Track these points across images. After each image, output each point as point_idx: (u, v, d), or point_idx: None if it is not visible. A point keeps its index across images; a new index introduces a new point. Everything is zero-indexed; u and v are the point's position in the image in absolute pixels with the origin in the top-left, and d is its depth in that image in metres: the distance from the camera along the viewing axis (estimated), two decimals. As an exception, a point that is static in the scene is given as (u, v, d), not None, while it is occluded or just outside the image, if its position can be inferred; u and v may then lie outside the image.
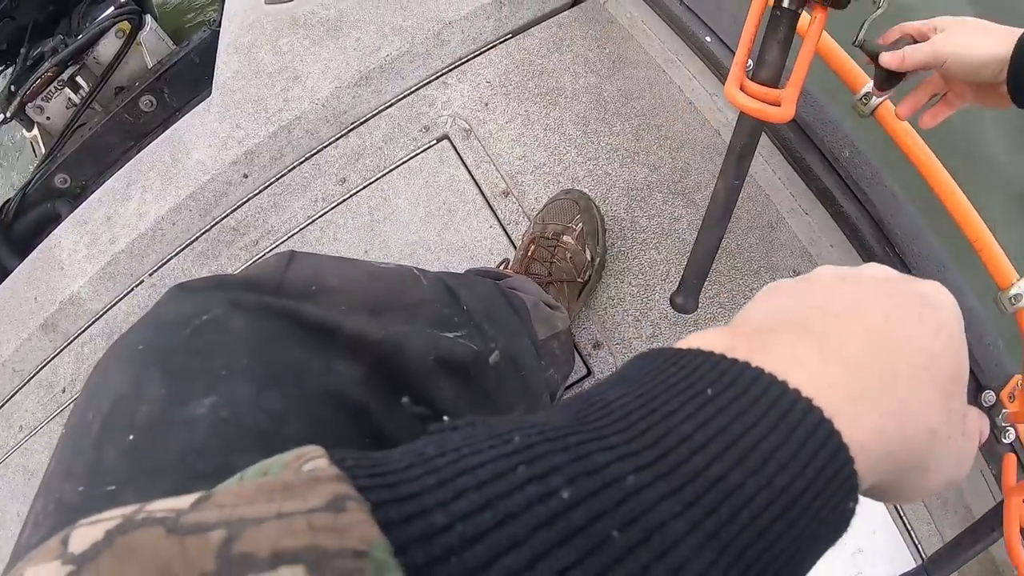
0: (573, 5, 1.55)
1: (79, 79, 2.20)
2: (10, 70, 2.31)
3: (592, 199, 1.24)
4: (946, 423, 0.28)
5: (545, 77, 1.44)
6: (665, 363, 0.26)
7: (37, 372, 1.60)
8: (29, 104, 2.19)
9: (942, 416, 0.28)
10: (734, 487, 0.21)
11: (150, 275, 1.55)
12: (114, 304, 1.56)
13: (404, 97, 1.51)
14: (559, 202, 1.22)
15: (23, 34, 2.28)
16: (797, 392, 0.24)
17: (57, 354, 1.59)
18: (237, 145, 1.51)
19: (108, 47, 2.16)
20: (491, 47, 1.51)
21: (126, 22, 2.12)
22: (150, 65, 2.18)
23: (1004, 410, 0.92)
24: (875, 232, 1.12)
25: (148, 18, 2.21)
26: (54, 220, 1.80)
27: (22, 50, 2.26)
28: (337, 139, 1.50)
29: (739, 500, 0.21)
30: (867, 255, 1.13)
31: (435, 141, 1.43)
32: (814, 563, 0.24)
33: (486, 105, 1.43)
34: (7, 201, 2.11)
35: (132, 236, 1.53)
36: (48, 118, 2.27)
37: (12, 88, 2.19)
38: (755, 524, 0.21)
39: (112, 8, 2.12)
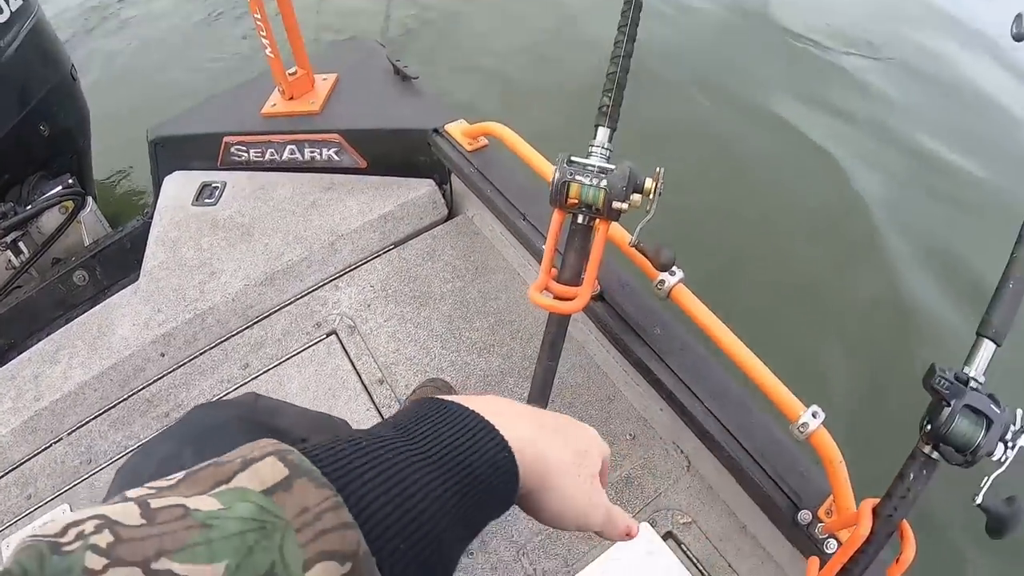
0: (447, 220, 1.89)
1: (21, 244, 2.43)
2: None
3: (452, 385, 1.52)
4: (576, 465, 0.51)
5: (419, 283, 1.75)
6: (427, 403, 0.49)
7: None
8: None
9: (574, 460, 0.52)
10: (446, 446, 0.44)
11: (68, 434, 1.72)
12: (32, 457, 1.72)
13: (301, 297, 1.78)
14: (424, 388, 1.50)
15: None
16: (483, 418, 0.47)
17: None
18: (157, 327, 1.74)
19: (51, 220, 2.41)
20: (376, 256, 1.82)
21: (71, 201, 2.38)
22: (87, 243, 2.43)
23: (820, 523, 1.08)
24: (688, 393, 1.28)
25: (90, 200, 2.48)
26: None
27: None
28: (243, 330, 1.76)
29: (450, 451, 0.44)
30: (687, 417, 1.27)
31: (325, 336, 1.69)
32: (491, 515, 0.46)
33: (368, 306, 1.72)
34: None
35: (56, 396, 1.71)
36: (-15, 275, 2.48)
37: None
38: (459, 461, 0.43)
39: (60, 187, 2.38)
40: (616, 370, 1.53)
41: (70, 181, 2.41)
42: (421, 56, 4.03)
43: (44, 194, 2.40)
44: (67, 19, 5.41)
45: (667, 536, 1.32)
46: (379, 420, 1.51)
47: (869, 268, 2.69)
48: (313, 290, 1.80)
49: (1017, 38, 1.05)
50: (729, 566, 1.27)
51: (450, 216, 1.91)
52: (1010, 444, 0.85)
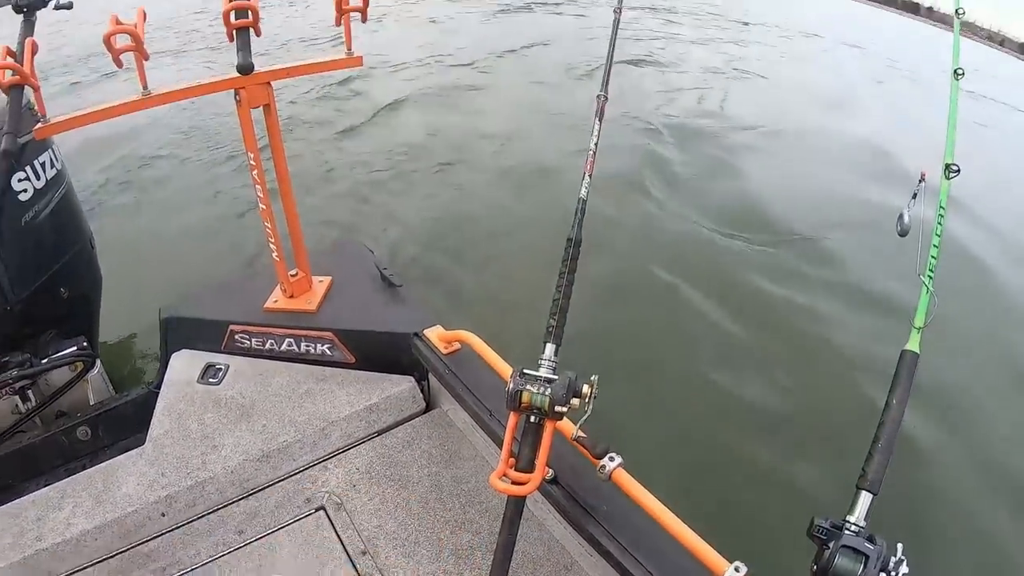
0: (425, 412, 2.22)
1: (29, 392, 2.68)
2: None
3: None
4: None
5: (399, 467, 2.04)
6: None
7: None
8: None
9: None
10: None
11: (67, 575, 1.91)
12: None
13: (294, 474, 2.07)
14: None
15: None
16: None
17: None
18: (160, 489, 1.98)
19: (60, 376, 2.67)
20: (361, 442, 2.13)
21: (81, 362, 2.65)
22: (92, 402, 2.69)
23: None
24: (633, 562, 1.44)
25: (99, 363, 2.76)
26: None
27: None
28: (240, 499, 2.02)
29: None
30: None
31: (314, 510, 1.96)
32: None
33: (354, 486, 2.00)
34: None
35: (57, 540, 1.90)
36: (-9, 416, 2.69)
37: None
38: None
39: (75, 347, 2.66)
40: (572, 543, 1.77)
41: (84, 344, 2.68)
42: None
43: (58, 351, 2.65)
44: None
45: None
46: None
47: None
48: (304, 469, 2.08)
49: (902, 234, 1.36)
50: None
51: (428, 409, 2.23)
52: (893, 574, 1.00)
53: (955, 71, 1.61)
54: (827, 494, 2.89)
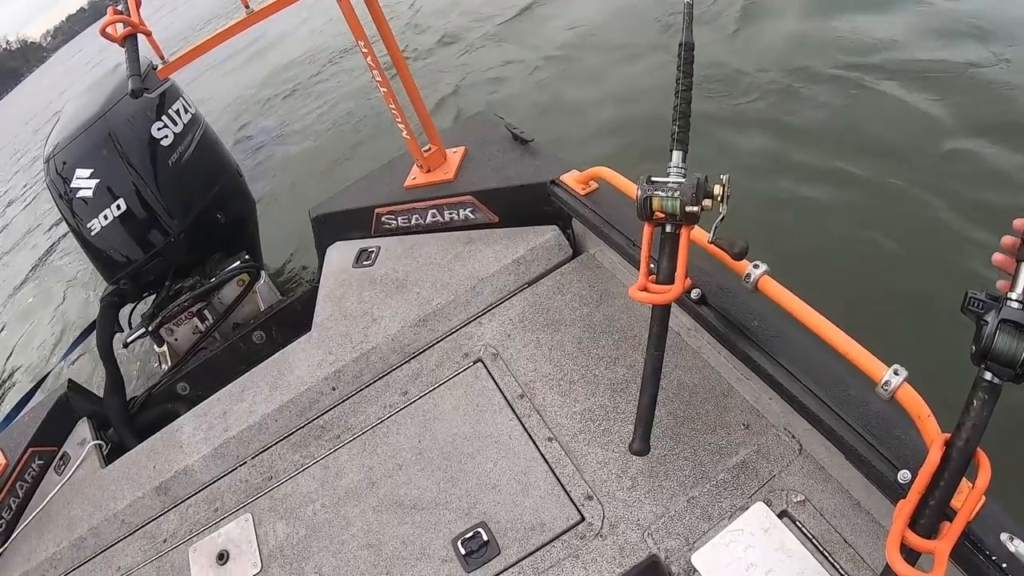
0: (572, 258, 2.19)
1: (206, 312, 2.92)
2: (152, 297, 3.04)
3: None
4: None
5: (551, 313, 2.04)
6: None
7: (144, 525, 2.10)
8: (164, 326, 2.90)
9: None
10: None
11: (252, 457, 2.10)
12: (220, 478, 2.10)
13: (451, 334, 2.12)
14: None
15: (168, 272, 3.01)
16: None
17: (164, 512, 2.10)
18: (328, 366, 2.11)
19: (230, 292, 2.89)
20: (512, 295, 2.14)
21: (246, 275, 2.85)
22: (262, 308, 2.90)
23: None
24: (791, 379, 1.38)
25: (263, 273, 2.96)
26: (172, 417, 2.33)
27: (166, 283, 2.99)
28: (402, 364, 2.10)
29: None
30: (795, 403, 1.37)
31: (472, 364, 2.00)
32: None
33: (509, 336, 2.02)
34: (134, 397, 2.74)
35: (242, 427, 2.10)
36: (176, 339, 2.98)
37: (154, 311, 2.91)
38: None
39: (238, 262, 2.87)
40: (727, 367, 1.71)
41: (247, 258, 2.88)
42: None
43: (224, 269, 2.88)
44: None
45: (782, 515, 1.44)
46: (520, 428, 1.80)
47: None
48: (460, 327, 2.12)
49: None
50: (844, 540, 1.36)
51: (575, 255, 2.21)
52: None
53: None
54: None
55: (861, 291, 2.86)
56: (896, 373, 1.14)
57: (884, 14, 4.74)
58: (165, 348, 3.01)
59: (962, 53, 4.04)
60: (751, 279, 1.38)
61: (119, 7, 1.91)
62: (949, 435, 1.01)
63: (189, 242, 2.94)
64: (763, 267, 1.38)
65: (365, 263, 2.41)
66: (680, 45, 1.41)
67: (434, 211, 2.36)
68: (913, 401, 1.12)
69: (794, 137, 3.94)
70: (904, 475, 1.16)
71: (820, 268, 3.00)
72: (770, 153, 3.92)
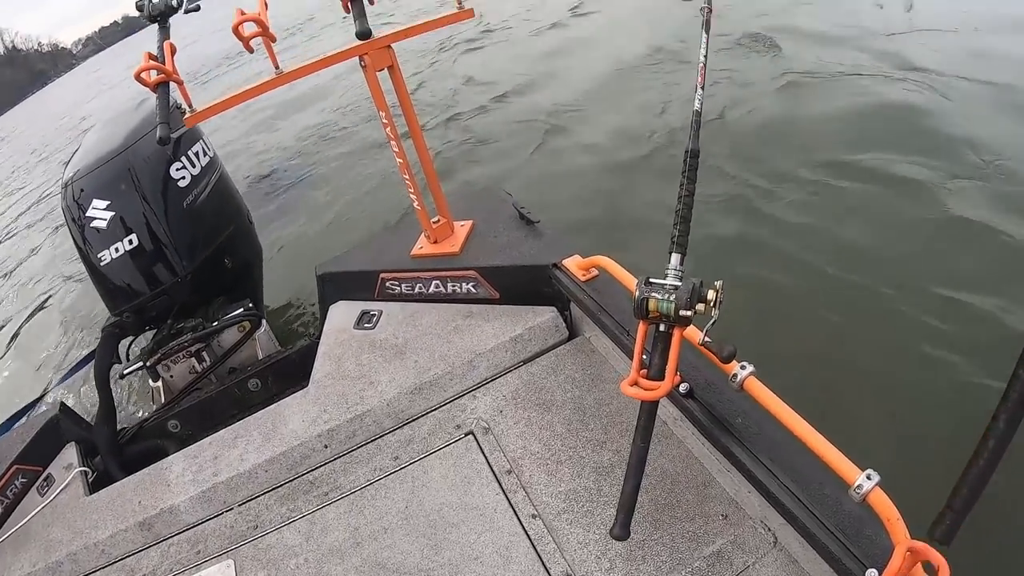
0: (568, 340, 2.28)
1: (204, 354, 2.99)
2: (152, 333, 3.10)
3: None
4: None
5: (543, 392, 2.13)
6: None
7: (123, 558, 2.12)
8: (162, 362, 2.96)
9: None
10: None
11: (239, 505, 2.14)
12: (205, 520, 2.13)
13: (445, 404, 2.20)
14: None
15: (171, 310, 3.07)
16: None
17: (146, 548, 2.13)
18: (323, 424, 2.17)
19: (230, 336, 2.97)
20: (508, 371, 2.23)
21: (248, 322, 2.93)
22: (260, 356, 2.98)
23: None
24: (769, 476, 1.44)
25: (264, 322, 3.04)
26: (160, 453, 2.36)
27: (169, 321, 3.05)
28: (395, 429, 2.17)
29: None
30: (771, 498, 1.43)
31: (464, 435, 2.08)
32: None
33: (501, 412, 2.10)
34: (124, 428, 2.78)
35: (232, 473, 2.14)
36: (172, 376, 3.04)
37: (154, 347, 2.96)
38: None
39: (242, 309, 2.95)
40: (709, 459, 1.78)
41: (250, 305, 2.97)
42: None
43: (227, 315, 2.95)
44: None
45: None
46: (505, 503, 1.87)
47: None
48: (455, 399, 2.20)
49: None
50: None
51: (571, 337, 2.30)
52: None
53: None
54: (966, 406, 2.73)
55: (845, 389, 3.01)
56: (868, 478, 1.20)
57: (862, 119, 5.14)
58: (160, 384, 3.06)
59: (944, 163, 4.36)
60: (737, 379, 1.46)
61: (155, 52, 2.00)
62: (917, 540, 1.09)
63: (195, 283, 3.02)
64: (749, 368, 1.46)
65: (367, 325, 2.50)
66: (686, 152, 1.52)
67: (438, 282, 2.46)
68: (884, 505, 1.18)
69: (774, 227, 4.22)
70: (871, 574, 1.22)
71: (809, 366, 3.16)
72: (749, 240, 4.18)
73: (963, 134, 4.63)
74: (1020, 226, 3.65)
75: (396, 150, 2.37)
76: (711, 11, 1.66)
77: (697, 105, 1.54)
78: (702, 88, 1.55)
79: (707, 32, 1.64)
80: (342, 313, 2.62)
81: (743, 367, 1.47)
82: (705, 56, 1.60)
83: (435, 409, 2.20)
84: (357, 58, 2.19)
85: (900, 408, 2.87)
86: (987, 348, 2.98)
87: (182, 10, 2.24)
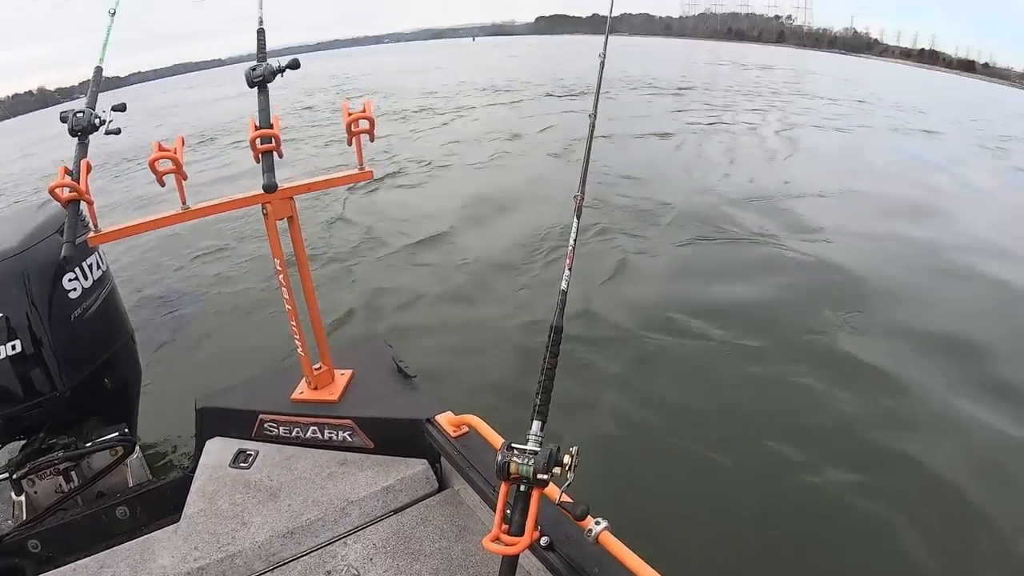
0: (438, 491, 2.44)
1: (73, 473, 2.95)
2: (22, 444, 2.97)
3: None
4: None
5: (413, 542, 2.26)
6: None
7: None
8: (28, 476, 2.87)
9: None
10: None
11: None
12: None
13: (316, 550, 2.29)
14: None
15: (44, 423, 2.97)
16: None
17: None
18: (193, 562, 2.21)
19: (101, 459, 2.95)
20: (379, 520, 2.36)
21: (122, 447, 2.93)
22: (130, 484, 2.97)
23: None
24: None
25: (138, 448, 3.04)
26: (15, 572, 2.30)
27: (41, 434, 2.93)
28: (265, 572, 2.24)
29: None
30: None
31: None
32: None
33: (371, 560, 2.21)
34: None
35: None
36: (36, 492, 2.95)
37: (22, 460, 2.85)
38: None
39: (117, 433, 2.94)
40: None
41: (125, 430, 2.97)
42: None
43: (101, 436, 2.94)
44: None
45: None
46: None
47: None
48: (326, 545, 2.30)
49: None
50: None
51: (440, 488, 2.46)
52: None
53: None
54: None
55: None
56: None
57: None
58: (23, 499, 2.97)
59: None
60: (592, 533, 1.62)
61: (70, 167, 2.07)
62: None
63: (73, 399, 2.96)
64: (604, 523, 1.62)
65: (242, 464, 2.58)
66: (550, 327, 1.71)
67: (315, 428, 2.60)
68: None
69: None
70: None
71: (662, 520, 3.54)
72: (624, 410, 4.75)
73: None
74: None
75: (286, 297, 2.52)
76: (583, 199, 1.88)
77: (564, 285, 1.75)
78: (569, 269, 1.76)
79: (578, 218, 1.86)
80: (218, 449, 2.69)
81: (598, 522, 1.63)
82: (575, 240, 1.83)
83: (306, 554, 2.28)
84: (260, 205, 2.36)
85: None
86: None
87: (102, 130, 2.31)
